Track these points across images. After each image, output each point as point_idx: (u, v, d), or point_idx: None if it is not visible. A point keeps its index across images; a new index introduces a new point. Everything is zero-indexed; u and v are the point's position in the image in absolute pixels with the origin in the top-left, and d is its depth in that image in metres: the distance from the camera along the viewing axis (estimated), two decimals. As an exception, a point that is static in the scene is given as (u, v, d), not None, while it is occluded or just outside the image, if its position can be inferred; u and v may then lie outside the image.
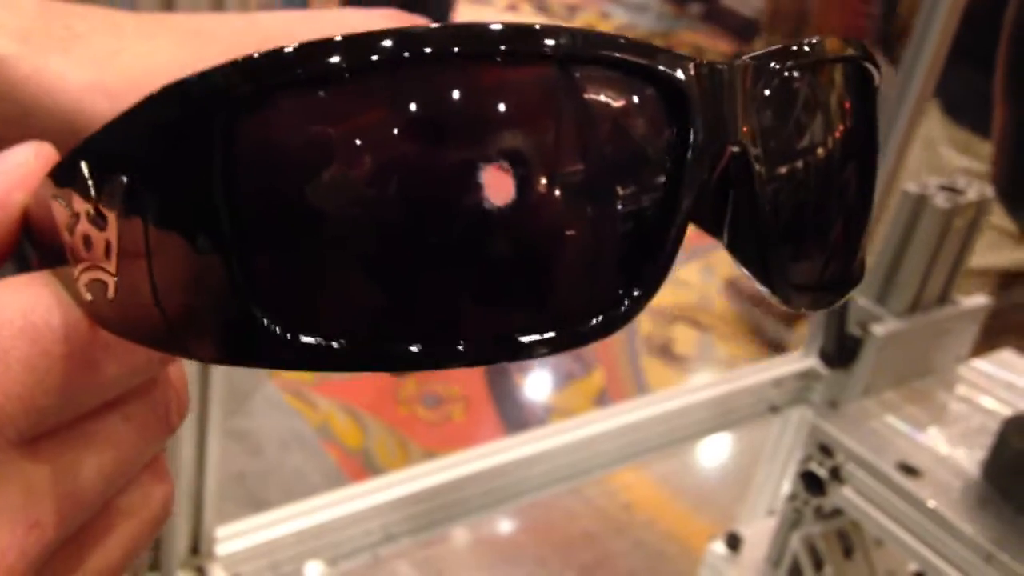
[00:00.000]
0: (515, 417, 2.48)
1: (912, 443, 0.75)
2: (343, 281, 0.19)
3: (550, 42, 0.19)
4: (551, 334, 0.20)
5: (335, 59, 0.18)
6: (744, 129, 0.22)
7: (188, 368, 0.77)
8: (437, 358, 0.19)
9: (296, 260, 0.19)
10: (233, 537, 0.91)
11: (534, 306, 0.20)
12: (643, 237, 0.21)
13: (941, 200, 0.75)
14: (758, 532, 0.93)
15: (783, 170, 0.24)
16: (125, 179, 0.19)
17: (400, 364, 0.19)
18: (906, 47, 1.15)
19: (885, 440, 0.75)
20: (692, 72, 0.21)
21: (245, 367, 0.19)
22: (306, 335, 0.19)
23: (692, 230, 0.25)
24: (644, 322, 3.14)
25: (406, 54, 0.18)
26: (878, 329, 0.76)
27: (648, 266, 0.21)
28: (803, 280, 0.26)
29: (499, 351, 0.19)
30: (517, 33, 0.19)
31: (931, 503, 0.70)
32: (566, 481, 1.10)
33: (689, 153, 0.21)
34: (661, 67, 0.20)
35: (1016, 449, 0.72)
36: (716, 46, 4.77)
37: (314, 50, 0.18)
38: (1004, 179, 0.66)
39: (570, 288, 0.20)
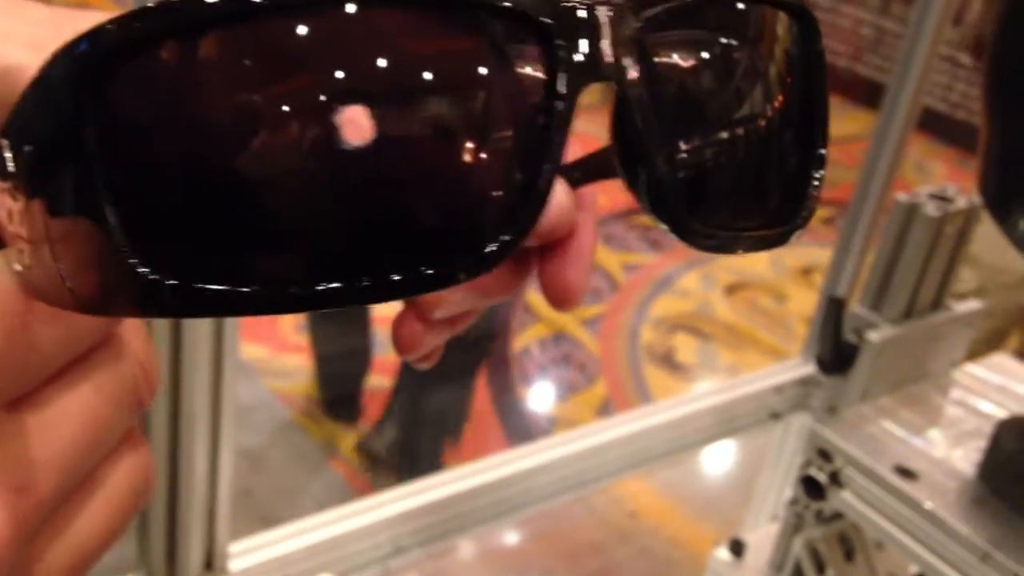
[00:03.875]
0: (519, 429, 2.49)
1: (908, 447, 0.77)
2: (234, 224, 0.19)
3: None
4: (429, 271, 0.20)
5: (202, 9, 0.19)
6: (614, 60, 0.23)
7: (199, 385, 0.78)
8: (327, 297, 0.20)
9: (179, 211, 0.19)
10: (246, 552, 0.93)
11: (410, 244, 0.21)
12: (520, 176, 0.22)
13: (931, 209, 0.77)
14: (761, 538, 0.95)
15: (673, 99, 0.25)
16: (27, 150, 0.19)
17: (294, 305, 0.20)
18: (896, 60, 1.17)
19: (882, 444, 0.77)
20: (557, 9, 0.22)
21: (165, 318, 0.20)
22: (202, 283, 0.19)
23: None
24: (646, 331, 3.16)
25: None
26: (873, 336, 0.78)
27: (522, 208, 0.22)
28: (717, 219, 0.27)
29: (376, 290, 0.20)
30: None
31: (928, 505, 0.72)
32: (571, 491, 1.12)
33: (554, 79, 0.22)
34: (522, 8, 0.21)
35: (1010, 450, 0.73)
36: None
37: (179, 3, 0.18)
38: (991, 189, 0.68)
39: (446, 228, 0.21)
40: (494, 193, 0.22)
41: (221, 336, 0.80)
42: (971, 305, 0.85)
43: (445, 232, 0.21)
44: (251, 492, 2.15)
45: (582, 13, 0.22)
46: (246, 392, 2.47)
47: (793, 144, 0.30)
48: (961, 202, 0.79)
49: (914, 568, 0.93)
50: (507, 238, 0.22)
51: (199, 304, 0.19)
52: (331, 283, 0.19)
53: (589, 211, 0.30)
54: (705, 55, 0.27)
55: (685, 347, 3.13)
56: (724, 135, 0.28)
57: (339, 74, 0.19)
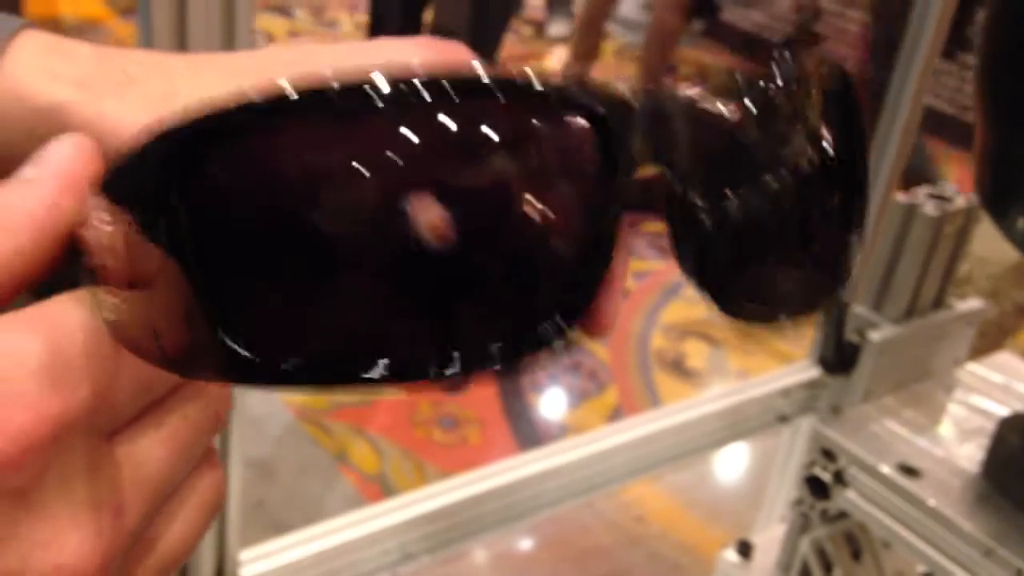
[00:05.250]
0: (530, 437, 2.49)
1: (912, 445, 0.78)
2: (305, 308, 0.20)
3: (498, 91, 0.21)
4: (474, 358, 0.21)
5: (284, 104, 0.20)
6: (673, 155, 0.24)
7: None
8: (398, 376, 0.20)
9: (260, 288, 0.20)
10: (256, 560, 0.94)
11: (476, 328, 0.21)
12: (578, 264, 0.23)
13: (930, 208, 0.78)
14: (769, 539, 0.95)
15: (727, 193, 0.26)
16: (129, 208, 0.21)
17: (365, 382, 0.20)
18: (897, 60, 1.18)
19: (885, 443, 0.77)
20: (619, 103, 0.22)
21: (242, 387, 0.22)
22: (279, 359, 0.20)
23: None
24: (656, 338, 3.16)
25: (353, 101, 0.20)
26: (875, 335, 0.78)
27: (581, 296, 0.23)
28: (758, 295, 0.28)
29: (441, 375, 0.21)
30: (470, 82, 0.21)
31: (931, 502, 0.72)
32: (580, 496, 1.12)
33: (612, 175, 0.22)
34: (586, 102, 0.22)
35: (1013, 446, 0.74)
36: (717, 61, 4.81)
37: (266, 97, 0.20)
38: (987, 189, 0.68)
39: (507, 314, 0.22)
40: (558, 280, 0.23)
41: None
42: (973, 304, 0.86)
43: (518, 312, 0.22)
44: (263, 502, 2.16)
45: (632, 102, 0.23)
46: (257, 403, 2.49)
47: (834, 203, 0.29)
48: (960, 201, 0.79)
49: (921, 567, 0.93)
50: (572, 318, 0.22)
51: (281, 378, 0.20)
52: (396, 369, 0.20)
53: (620, 245, 0.31)
54: (745, 128, 0.27)
55: (696, 353, 3.13)
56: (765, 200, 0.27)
57: (414, 164, 0.20)
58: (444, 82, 0.20)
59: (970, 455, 0.77)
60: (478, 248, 0.21)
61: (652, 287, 3.47)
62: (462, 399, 2.67)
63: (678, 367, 3.03)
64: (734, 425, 1.27)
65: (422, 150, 0.20)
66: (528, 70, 0.21)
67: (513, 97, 0.21)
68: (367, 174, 0.20)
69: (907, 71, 1.15)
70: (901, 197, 0.79)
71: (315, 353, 0.20)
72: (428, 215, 0.20)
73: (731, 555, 0.94)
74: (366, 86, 0.19)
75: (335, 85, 0.19)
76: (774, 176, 0.28)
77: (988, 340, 1.58)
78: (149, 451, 0.24)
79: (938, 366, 0.85)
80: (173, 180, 0.20)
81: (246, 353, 0.20)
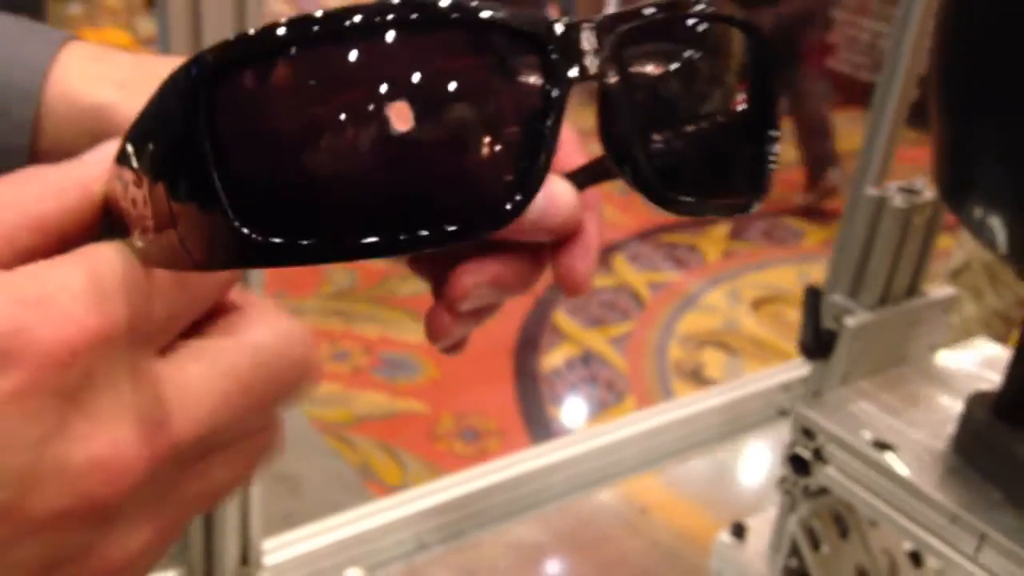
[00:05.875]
0: (549, 446, 2.54)
1: (886, 424, 0.82)
2: (307, 195, 0.25)
3: (455, 13, 0.26)
4: (453, 227, 0.26)
5: (282, 35, 0.24)
6: (596, 64, 0.29)
7: None
8: (382, 247, 0.25)
9: (268, 186, 0.25)
10: (278, 549, 1.00)
11: (433, 209, 0.26)
12: (524, 152, 0.28)
13: (899, 201, 0.83)
14: (762, 521, 1.00)
15: (646, 97, 0.32)
16: (151, 146, 0.25)
17: (352, 254, 0.25)
18: (884, 61, 1.23)
19: (861, 422, 0.82)
20: (550, 28, 0.28)
21: (253, 268, 0.27)
22: (286, 238, 0.25)
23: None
24: (673, 348, 3.20)
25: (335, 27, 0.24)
26: (850, 321, 0.83)
27: (522, 184, 0.28)
28: (689, 190, 0.34)
29: (417, 240, 0.26)
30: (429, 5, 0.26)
31: (903, 473, 0.77)
32: (586, 488, 1.18)
33: (550, 84, 0.28)
34: (527, 27, 0.28)
35: (980, 421, 0.79)
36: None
37: (270, 30, 0.24)
38: (943, 180, 0.73)
39: (469, 192, 0.27)
40: (508, 167, 0.28)
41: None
42: (947, 291, 0.90)
43: (472, 198, 0.27)
44: (291, 515, 2.22)
45: (572, 32, 0.29)
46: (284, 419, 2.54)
47: (752, 131, 0.36)
48: (928, 194, 0.84)
49: (907, 545, 0.98)
50: (519, 198, 0.28)
51: (282, 254, 0.25)
52: (376, 237, 0.25)
53: (593, 211, 0.37)
54: (672, 62, 0.34)
55: (713, 362, 3.17)
56: (692, 126, 0.35)
57: (387, 83, 0.25)
58: (410, 11, 0.25)
59: (942, 433, 0.82)
60: (440, 141, 0.27)
61: (668, 298, 3.51)
62: (482, 411, 2.72)
63: (696, 376, 3.08)
64: (736, 419, 1.32)
65: (398, 65, 0.26)
66: (488, 5, 0.27)
67: (472, 25, 0.27)
68: (354, 86, 0.25)
69: (893, 67, 1.20)
70: (872, 190, 0.84)
71: (321, 230, 0.25)
72: (401, 115, 0.25)
73: (726, 537, 0.99)
74: (343, 20, 0.25)
75: (319, 18, 0.24)
76: (698, 99, 0.34)
77: (993, 331, 1.61)
78: (199, 379, 0.27)
79: (914, 351, 0.90)
80: (198, 105, 0.24)
81: (267, 239, 0.24)
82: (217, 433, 0.27)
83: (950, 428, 0.82)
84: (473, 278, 0.35)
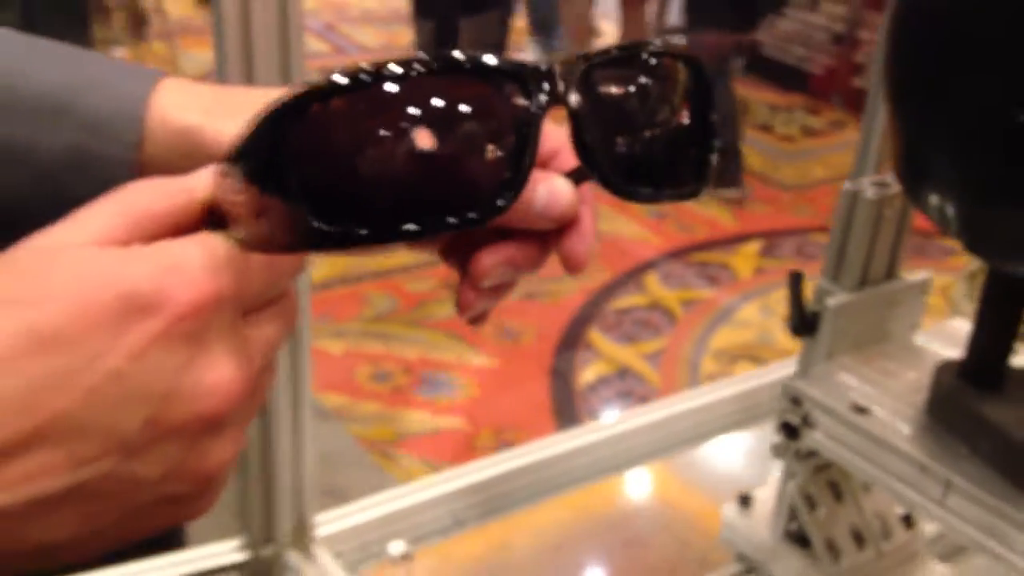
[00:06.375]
0: (585, 456, 2.63)
1: (864, 392, 0.92)
2: (360, 195, 0.33)
3: (468, 64, 0.34)
4: (472, 215, 0.35)
5: (343, 83, 0.32)
6: (565, 91, 0.37)
7: (281, 376, 1.02)
8: (417, 232, 0.33)
9: (334, 187, 0.33)
10: (329, 522, 1.11)
11: (451, 202, 0.35)
12: (510, 164, 0.36)
13: (871, 193, 0.93)
14: (767, 492, 1.10)
15: (607, 114, 0.40)
16: (249, 160, 0.33)
17: (395, 237, 0.33)
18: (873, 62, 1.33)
19: (843, 391, 0.92)
20: (531, 67, 0.36)
21: (323, 253, 0.38)
22: (346, 227, 0.33)
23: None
24: (707, 363, 3.28)
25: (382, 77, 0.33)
26: (832, 301, 0.93)
27: (513, 182, 0.36)
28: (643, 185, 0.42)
29: (443, 225, 0.34)
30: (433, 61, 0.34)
31: (878, 432, 0.87)
32: (605, 473, 1.28)
33: (531, 107, 0.36)
34: (514, 68, 0.36)
35: (947, 384, 0.88)
36: (761, 96, 4.95)
37: (336, 80, 0.32)
38: (902, 172, 0.82)
39: (471, 193, 0.35)
40: (504, 169, 0.35)
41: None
42: (923, 274, 1.00)
43: (481, 192, 0.35)
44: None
45: (544, 68, 0.36)
46: (329, 438, 2.65)
47: (695, 137, 0.46)
48: (896, 187, 0.94)
49: (899, 509, 1.07)
50: (511, 192, 0.35)
51: (344, 240, 0.32)
52: (412, 224, 0.33)
53: (588, 203, 0.43)
54: (629, 87, 0.43)
55: (746, 376, 3.24)
56: (647, 135, 0.44)
57: (416, 111, 0.33)
58: (430, 62, 0.34)
59: (915, 400, 0.92)
60: (456, 153, 0.35)
61: (701, 314, 3.59)
62: (520, 425, 2.82)
63: (729, 390, 3.15)
64: (749, 408, 1.41)
65: (423, 99, 0.34)
66: (486, 55, 0.35)
67: (471, 69, 0.35)
68: (393, 114, 0.33)
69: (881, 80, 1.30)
70: (847, 185, 0.94)
71: (371, 221, 0.33)
72: (426, 135, 0.34)
73: (733, 507, 1.09)
74: (383, 69, 0.33)
75: (366, 69, 0.33)
76: (650, 113, 0.45)
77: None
78: (268, 330, 0.36)
79: (895, 330, 1.00)
80: (283, 131, 0.32)
81: (332, 228, 0.32)
82: (269, 359, 0.37)
83: (924, 396, 0.92)
84: (492, 259, 0.41)
